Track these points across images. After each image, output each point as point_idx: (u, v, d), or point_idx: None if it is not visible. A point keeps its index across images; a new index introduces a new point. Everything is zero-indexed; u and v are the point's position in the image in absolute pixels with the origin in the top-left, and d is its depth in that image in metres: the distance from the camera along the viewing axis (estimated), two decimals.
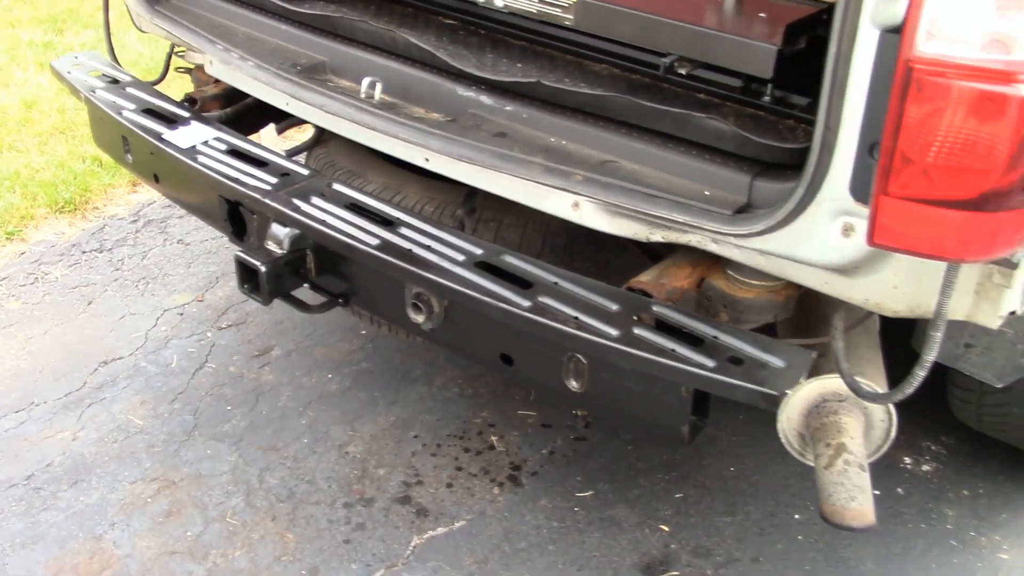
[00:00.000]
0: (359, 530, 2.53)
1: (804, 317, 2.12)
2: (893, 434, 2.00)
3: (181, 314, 3.31)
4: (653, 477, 2.72)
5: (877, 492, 2.62)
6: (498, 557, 2.46)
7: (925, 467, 2.78)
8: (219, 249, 3.66)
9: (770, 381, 1.68)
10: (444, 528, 2.54)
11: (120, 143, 2.58)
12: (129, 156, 2.59)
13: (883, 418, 2.00)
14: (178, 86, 3.63)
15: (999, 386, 2.22)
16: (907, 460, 2.79)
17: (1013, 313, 1.73)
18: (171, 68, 2.94)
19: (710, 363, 1.69)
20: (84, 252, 3.63)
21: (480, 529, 2.54)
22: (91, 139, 4.07)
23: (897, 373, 1.93)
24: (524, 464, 2.74)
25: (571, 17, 2.06)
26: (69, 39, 5.44)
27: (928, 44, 1.35)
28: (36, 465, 2.69)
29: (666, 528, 2.56)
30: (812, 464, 1.97)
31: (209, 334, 3.22)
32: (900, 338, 2.18)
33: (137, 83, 2.68)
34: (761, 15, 1.97)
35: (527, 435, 2.84)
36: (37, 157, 4.17)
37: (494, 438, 2.82)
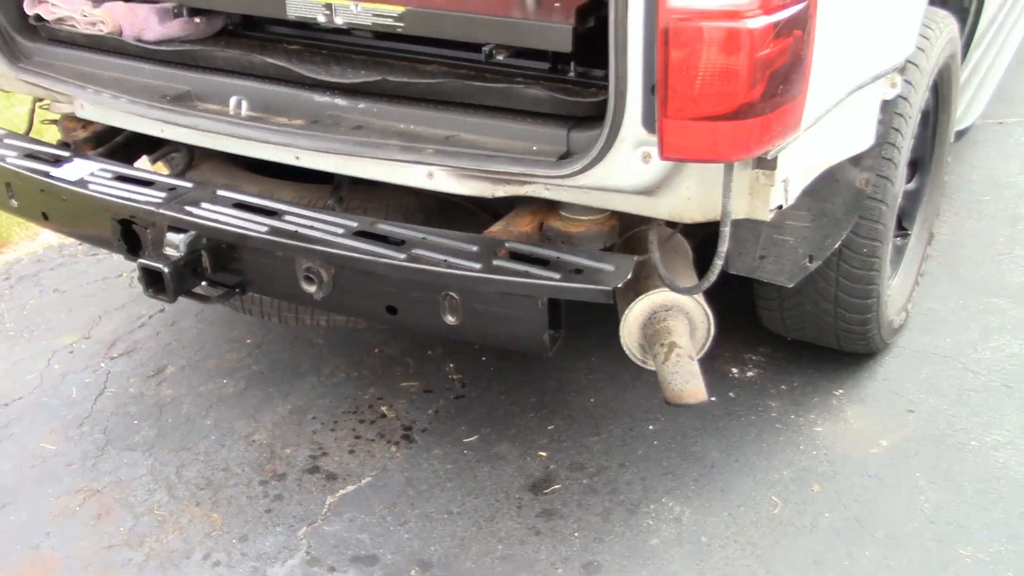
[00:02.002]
0: (277, 500, 2.83)
1: (631, 245, 2.58)
2: (713, 331, 2.46)
3: (71, 352, 3.53)
4: (527, 417, 3.13)
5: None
6: (404, 500, 2.82)
7: (749, 374, 3.29)
8: (96, 292, 3.88)
9: (604, 280, 2.11)
10: (353, 486, 2.87)
11: (3, 190, 2.82)
12: (14, 201, 2.83)
13: (703, 319, 2.46)
14: (45, 137, 3.83)
15: (791, 286, 2.73)
16: (734, 371, 3.30)
17: (780, 207, 2.22)
18: (35, 121, 3.19)
19: (557, 276, 2.11)
20: None
21: (385, 481, 2.89)
22: None
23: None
24: (414, 424, 3.11)
25: (402, 24, 2.46)
26: None
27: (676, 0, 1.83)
28: None
29: (544, 454, 2.97)
30: (653, 368, 2.42)
31: (102, 364, 3.45)
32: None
33: (11, 134, 2.93)
34: (556, 4, 2.43)
35: (413, 401, 3.21)
36: None
37: (384, 408, 3.18)
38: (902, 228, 3.41)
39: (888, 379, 3.22)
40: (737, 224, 2.61)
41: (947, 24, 2.96)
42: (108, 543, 2.71)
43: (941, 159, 3.48)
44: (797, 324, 3.12)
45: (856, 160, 2.55)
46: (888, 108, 2.57)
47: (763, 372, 3.29)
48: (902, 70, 2.54)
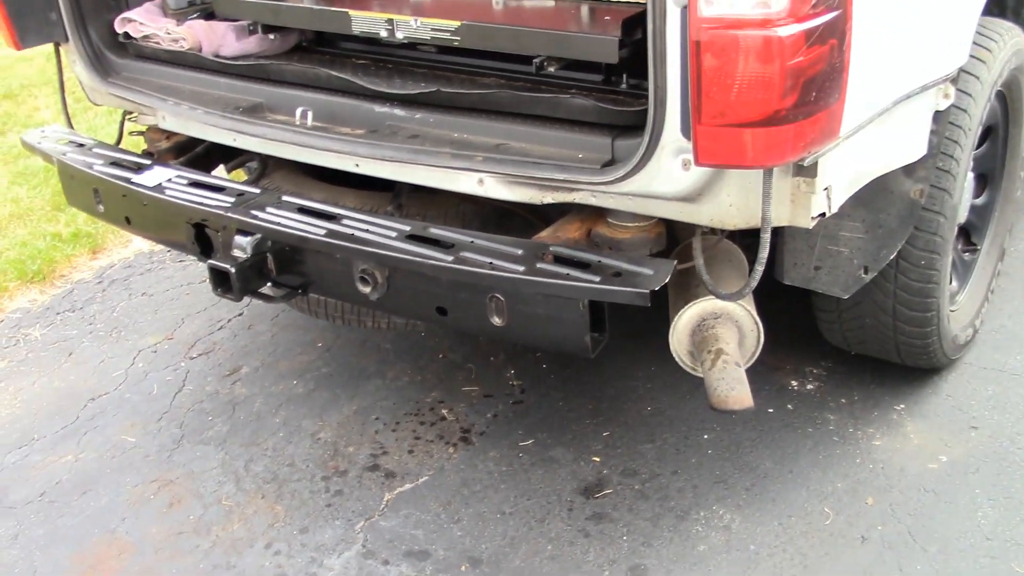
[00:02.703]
0: (338, 495, 2.94)
1: (686, 255, 2.61)
2: (762, 340, 2.49)
3: (155, 352, 3.72)
4: (583, 423, 3.18)
5: (771, 410, 3.14)
6: (459, 499, 2.90)
7: (809, 386, 3.28)
8: (180, 296, 4.08)
9: (643, 284, 2.15)
10: (410, 484, 2.97)
11: (92, 196, 3.01)
12: (101, 206, 3.01)
13: (752, 327, 2.49)
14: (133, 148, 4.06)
15: (846, 297, 2.73)
16: (793, 383, 3.29)
17: (823, 215, 2.23)
18: (124, 132, 3.39)
19: (597, 278, 2.17)
20: (58, 313, 4.03)
21: (441, 481, 2.97)
22: (48, 219, 4.51)
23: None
24: (472, 427, 3.19)
25: (458, 38, 2.57)
26: (11, 139, 5.84)
27: (708, 9, 1.88)
28: (47, 484, 3.06)
29: (597, 459, 3.02)
30: (702, 375, 2.46)
31: (182, 364, 3.63)
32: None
33: (100, 144, 3.12)
34: (606, 18, 2.50)
35: (473, 405, 3.29)
36: (0, 241, 4.56)
37: (444, 411, 3.27)
38: (970, 243, 3.36)
39: (952, 395, 3.17)
40: (791, 234, 2.65)
41: (1012, 35, 2.93)
42: (178, 530, 2.85)
43: (1013, 174, 3.42)
44: (858, 337, 3.10)
45: (909, 170, 2.54)
46: (942, 119, 2.55)
47: (823, 385, 3.28)
48: (955, 80, 2.53)
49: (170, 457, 3.15)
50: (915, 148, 2.51)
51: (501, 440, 3.12)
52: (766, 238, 2.12)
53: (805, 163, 2.08)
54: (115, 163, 2.95)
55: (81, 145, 3.11)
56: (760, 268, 2.17)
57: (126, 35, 3.13)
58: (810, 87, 1.93)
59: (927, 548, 2.62)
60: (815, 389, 3.26)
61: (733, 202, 2.21)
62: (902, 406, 3.15)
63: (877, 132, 2.29)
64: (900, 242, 2.65)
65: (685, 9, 1.94)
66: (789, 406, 3.19)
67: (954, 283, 3.20)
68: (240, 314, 3.88)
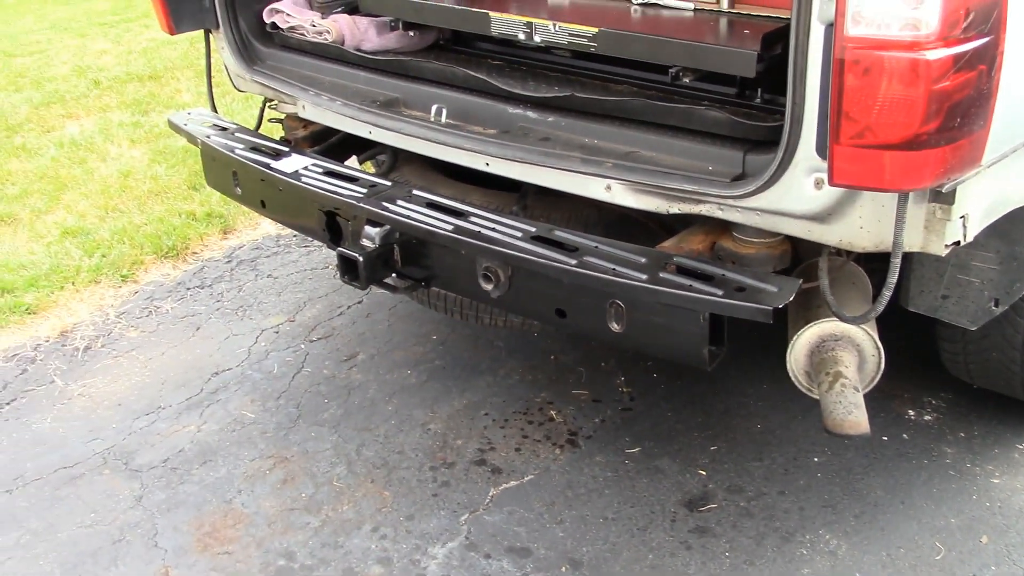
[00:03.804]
0: (444, 486, 3.00)
1: (809, 274, 2.58)
2: (883, 366, 2.44)
3: (277, 332, 3.85)
4: (691, 436, 3.17)
5: (885, 438, 3.08)
6: (563, 500, 2.92)
7: (927, 417, 3.20)
8: (304, 280, 4.21)
9: (766, 300, 2.14)
10: (516, 481, 3.01)
11: (231, 178, 3.14)
12: (238, 189, 3.14)
13: (873, 353, 2.44)
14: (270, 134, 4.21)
15: (973, 329, 2.66)
16: (911, 412, 3.22)
17: (958, 243, 2.18)
18: (264, 119, 3.52)
19: (720, 292, 2.17)
20: (188, 289, 4.20)
21: (546, 481, 3.00)
22: (184, 198, 4.70)
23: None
24: (580, 431, 3.21)
25: (595, 44, 2.59)
26: (154, 118, 6.12)
27: (855, 28, 1.86)
28: (170, 451, 3.21)
29: (704, 473, 3.01)
30: (817, 396, 2.43)
31: (303, 346, 3.74)
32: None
33: (241, 129, 3.25)
34: (745, 31, 2.49)
35: (581, 409, 3.31)
36: (138, 216, 4.78)
37: (553, 412, 3.30)
38: None
39: None
40: (920, 260, 2.59)
41: None
42: (290, 506, 2.95)
43: None
44: (982, 371, 3.01)
45: None
46: None
47: (941, 417, 3.19)
48: None
49: (286, 435, 3.26)
50: None
51: (607, 445, 3.14)
52: (896, 263, 2.08)
53: (943, 189, 2.03)
54: (255, 148, 3.06)
55: (224, 129, 3.24)
56: (888, 293, 2.13)
57: (273, 25, 3.25)
58: (955, 112, 1.89)
59: None
60: (933, 420, 3.18)
61: (864, 224, 2.17)
62: None
63: (1020, 162, 2.22)
64: None
65: (830, 27, 1.92)
66: (905, 435, 3.12)
67: None
68: (359, 302, 3.99)
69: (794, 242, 2.46)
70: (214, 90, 3.49)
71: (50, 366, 3.71)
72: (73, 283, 4.22)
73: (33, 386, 3.59)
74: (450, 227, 2.51)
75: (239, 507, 2.96)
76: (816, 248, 2.37)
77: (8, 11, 9.78)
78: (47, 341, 3.86)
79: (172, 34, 3.25)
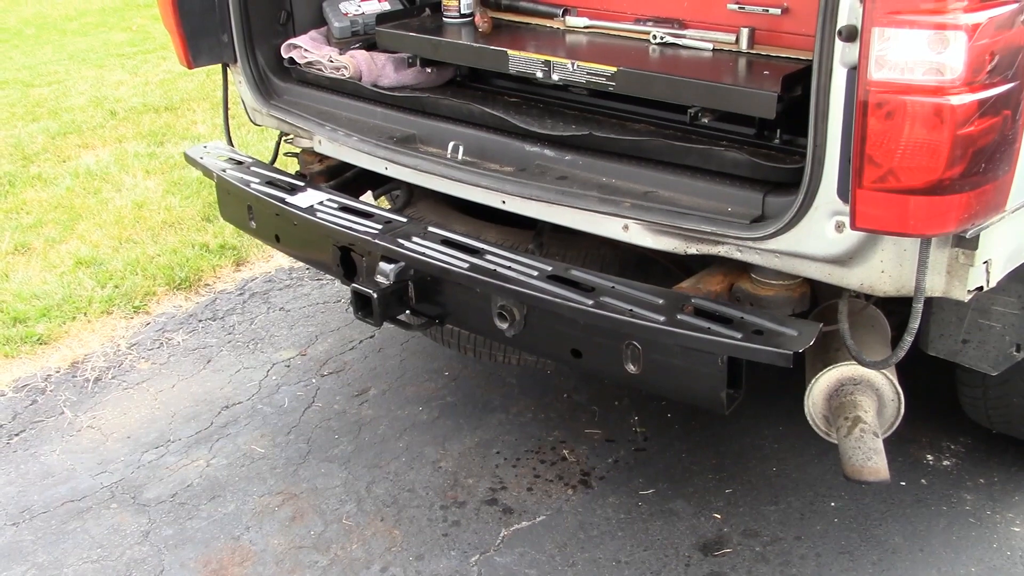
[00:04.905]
0: (455, 526, 2.96)
1: (827, 316, 2.55)
2: (903, 411, 2.41)
3: (288, 366, 3.83)
4: (705, 478, 3.13)
5: (903, 483, 3.03)
6: (575, 542, 2.88)
7: (946, 462, 3.15)
8: (316, 314, 4.20)
9: (785, 345, 2.11)
10: (527, 522, 2.96)
11: (245, 212, 3.13)
12: (253, 222, 3.13)
13: (893, 397, 2.41)
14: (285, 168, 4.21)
15: (994, 374, 2.62)
16: (929, 457, 3.17)
17: (980, 289, 2.15)
18: (279, 153, 3.52)
19: (738, 335, 2.14)
20: (200, 321, 4.19)
21: (558, 522, 2.96)
22: (197, 229, 4.70)
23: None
24: (593, 471, 3.17)
25: (613, 84, 2.58)
26: (169, 149, 6.14)
27: (878, 72, 1.84)
28: (178, 486, 3.18)
29: (719, 516, 2.96)
30: (835, 441, 2.39)
31: (314, 380, 3.72)
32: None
33: (257, 163, 3.24)
34: (765, 72, 2.48)
35: (594, 448, 3.28)
36: (152, 247, 4.78)
37: (566, 451, 3.26)
38: None
39: None
40: (940, 305, 2.56)
41: None
42: (299, 544, 2.91)
43: None
44: (1003, 417, 2.97)
45: None
46: None
47: (960, 463, 3.14)
48: None
49: (296, 471, 3.22)
50: None
51: (621, 487, 3.10)
52: (918, 308, 2.06)
53: (967, 235, 2.01)
54: (271, 182, 3.05)
55: (240, 163, 3.24)
56: (910, 339, 2.10)
57: (291, 60, 3.26)
58: (979, 158, 1.87)
59: None
60: (952, 466, 3.13)
61: (886, 268, 2.15)
62: None
63: None
64: None
65: (853, 70, 1.91)
66: (923, 481, 3.07)
67: None
68: (371, 336, 3.96)
69: (813, 284, 2.43)
70: (231, 122, 3.49)
71: (60, 397, 3.69)
72: (85, 314, 4.21)
73: (43, 417, 3.58)
74: (465, 265, 2.49)
75: (247, 544, 2.92)
76: (835, 290, 2.34)
77: (28, 42, 9.87)
78: (58, 372, 3.85)
79: (190, 68, 3.25)
